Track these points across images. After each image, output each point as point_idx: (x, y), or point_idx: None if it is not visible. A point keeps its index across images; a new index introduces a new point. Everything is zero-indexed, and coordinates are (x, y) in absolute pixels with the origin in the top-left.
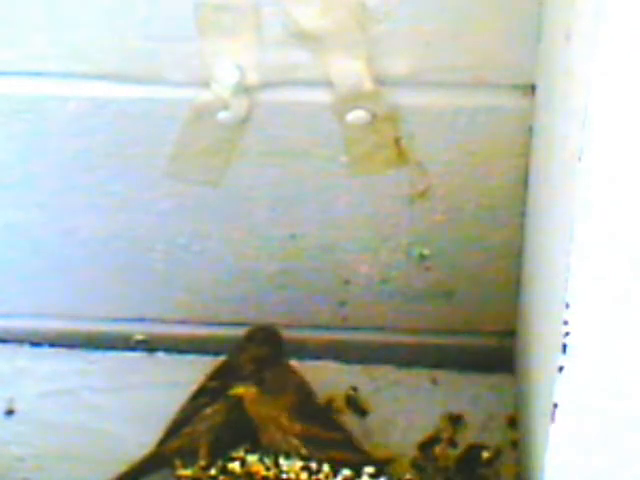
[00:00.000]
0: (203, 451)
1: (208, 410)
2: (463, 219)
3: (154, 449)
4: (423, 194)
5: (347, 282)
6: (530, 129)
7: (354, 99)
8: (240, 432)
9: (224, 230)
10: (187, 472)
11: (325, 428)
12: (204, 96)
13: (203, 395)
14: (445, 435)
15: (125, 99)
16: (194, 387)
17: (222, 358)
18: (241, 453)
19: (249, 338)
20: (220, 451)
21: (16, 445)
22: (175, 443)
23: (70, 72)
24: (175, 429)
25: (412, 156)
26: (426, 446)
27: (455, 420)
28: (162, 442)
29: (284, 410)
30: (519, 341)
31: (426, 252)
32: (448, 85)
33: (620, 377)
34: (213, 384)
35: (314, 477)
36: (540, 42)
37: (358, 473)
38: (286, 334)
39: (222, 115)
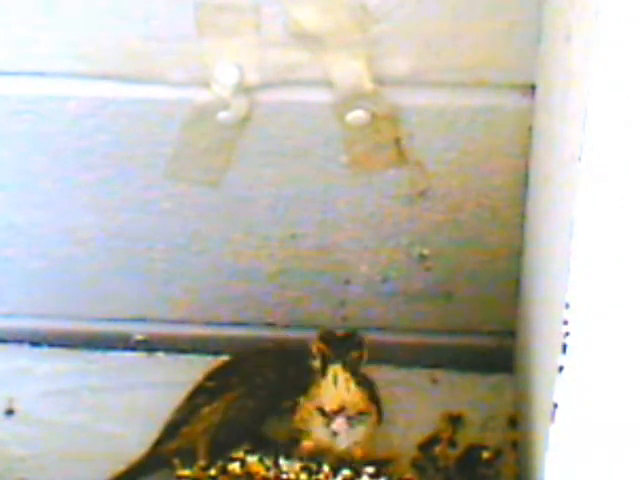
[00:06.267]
0: (202, 451)
1: (206, 409)
2: (463, 219)
3: (151, 449)
4: (423, 194)
5: (347, 282)
6: (530, 129)
7: (354, 99)
8: (238, 431)
9: (224, 230)
10: (187, 472)
11: None
12: (204, 96)
13: (200, 395)
14: (445, 435)
15: (125, 99)
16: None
17: (222, 358)
18: (241, 454)
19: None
20: (218, 451)
21: (16, 445)
22: (173, 444)
23: (70, 72)
24: (172, 429)
25: (412, 156)
26: (426, 446)
27: (455, 420)
28: (159, 442)
29: None
30: (519, 341)
31: (426, 252)
32: (448, 85)
33: (620, 377)
34: (211, 384)
35: (314, 477)
36: (540, 42)
37: (358, 473)
38: (286, 334)
39: (222, 115)
